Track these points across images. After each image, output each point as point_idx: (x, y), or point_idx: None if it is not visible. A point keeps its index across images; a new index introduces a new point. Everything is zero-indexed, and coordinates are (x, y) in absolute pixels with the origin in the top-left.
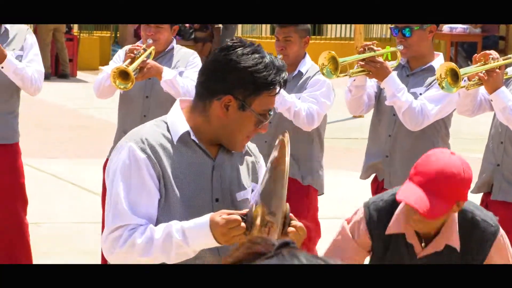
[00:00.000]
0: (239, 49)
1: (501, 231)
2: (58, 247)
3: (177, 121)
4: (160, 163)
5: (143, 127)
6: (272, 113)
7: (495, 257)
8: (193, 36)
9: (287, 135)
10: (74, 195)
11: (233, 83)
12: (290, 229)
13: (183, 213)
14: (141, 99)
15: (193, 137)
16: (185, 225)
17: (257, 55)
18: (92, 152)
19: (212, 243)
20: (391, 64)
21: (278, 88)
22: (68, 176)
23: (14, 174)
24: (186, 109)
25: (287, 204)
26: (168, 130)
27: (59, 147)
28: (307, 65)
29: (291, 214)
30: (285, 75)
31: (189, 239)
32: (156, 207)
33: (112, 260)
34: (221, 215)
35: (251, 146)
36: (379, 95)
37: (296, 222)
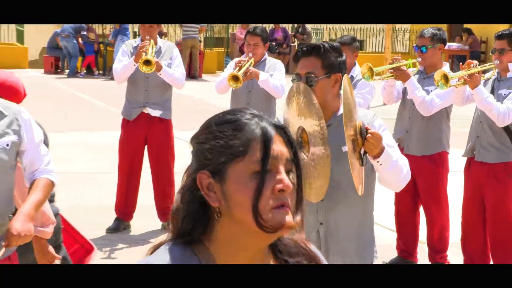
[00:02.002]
0: None
1: None
2: None
3: None
4: None
5: None
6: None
7: None
8: (277, 51)
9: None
10: None
11: None
12: (368, 136)
13: None
14: (245, 93)
15: None
16: None
17: None
18: None
19: None
20: (412, 71)
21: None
22: None
23: (168, 139)
24: None
25: (361, 121)
26: None
27: (190, 123)
28: (357, 71)
29: (367, 126)
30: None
31: None
32: None
33: None
34: None
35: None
36: (404, 91)
37: (372, 130)
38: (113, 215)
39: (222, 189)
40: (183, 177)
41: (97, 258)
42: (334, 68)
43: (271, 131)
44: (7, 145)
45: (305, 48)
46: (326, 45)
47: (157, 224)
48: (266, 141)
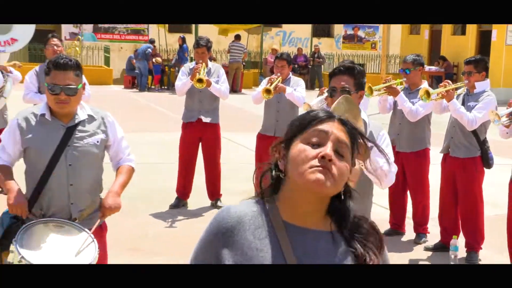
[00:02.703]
0: None
1: None
2: (238, 174)
3: None
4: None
5: None
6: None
7: None
8: (299, 72)
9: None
10: (243, 151)
11: None
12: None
13: None
14: (275, 103)
15: None
16: None
17: None
18: (248, 128)
19: None
20: (400, 88)
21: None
22: (240, 141)
23: (216, 138)
24: None
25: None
26: None
27: (234, 126)
28: None
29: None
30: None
31: None
32: None
33: None
34: None
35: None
36: (395, 103)
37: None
38: (174, 195)
39: None
40: None
41: (161, 227)
42: (360, 86)
43: (326, 116)
44: (98, 141)
45: (342, 68)
46: (358, 67)
47: (208, 202)
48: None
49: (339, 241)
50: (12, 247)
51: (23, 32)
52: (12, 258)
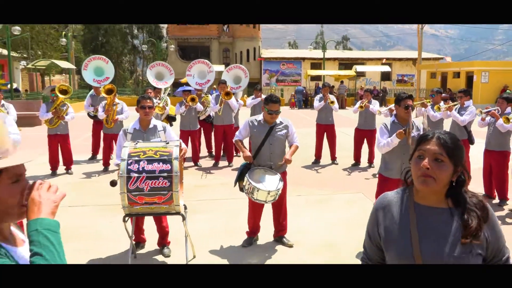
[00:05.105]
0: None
1: None
2: (344, 148)
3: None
4: None
5: None
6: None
7: None
8: (376, 98)
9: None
10: (346, 137)
11: None
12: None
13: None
14: (364, 113)
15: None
16: (391, 137)
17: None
18: (350, 125)
19: (397, 139)
20: (429, 104)
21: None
22: (346, 132)
23: (334, 132)
24: None
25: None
26: None
27: (343, 125)
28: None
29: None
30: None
31: (392, 140)
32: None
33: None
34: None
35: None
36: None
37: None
38: (314, 158)
39: None
40: None
41: (306, 170)
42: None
43: (429, 137)
44: (283, 133)
45: (406, 94)
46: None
47: (330, 161)
48: (419, 141)
49: (455, 215)
50: (245, 178)
51: (244, 81)
52: (245, 182)
